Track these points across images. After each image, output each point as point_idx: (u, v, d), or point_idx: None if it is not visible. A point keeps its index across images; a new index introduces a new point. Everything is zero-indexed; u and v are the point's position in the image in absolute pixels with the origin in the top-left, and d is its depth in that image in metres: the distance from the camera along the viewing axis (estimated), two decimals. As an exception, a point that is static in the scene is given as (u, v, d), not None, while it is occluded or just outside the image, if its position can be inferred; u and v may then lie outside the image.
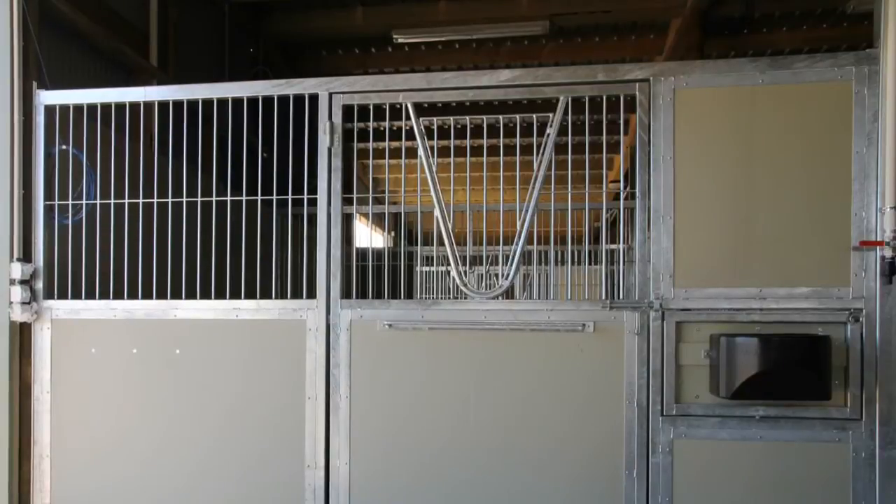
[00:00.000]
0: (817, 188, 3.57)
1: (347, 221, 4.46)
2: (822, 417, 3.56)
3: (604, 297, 5.62)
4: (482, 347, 3.81)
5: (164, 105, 4.10)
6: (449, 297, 9.32)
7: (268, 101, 4.03)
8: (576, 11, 7.48)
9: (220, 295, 4.09)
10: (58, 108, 4.13)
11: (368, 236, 10.84)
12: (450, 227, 3.92)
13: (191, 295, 4.10)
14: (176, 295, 4.12)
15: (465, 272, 3.96)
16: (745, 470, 3.62)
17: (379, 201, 11.18)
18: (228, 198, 4.08)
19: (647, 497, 3.68)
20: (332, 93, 3.95)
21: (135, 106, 4.19)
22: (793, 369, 3.42)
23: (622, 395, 3.70)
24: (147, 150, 4.20)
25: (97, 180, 4.16)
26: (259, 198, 4.06)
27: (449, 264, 3.97)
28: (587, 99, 3.79)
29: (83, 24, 4.74)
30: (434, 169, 3.94)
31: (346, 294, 3.97)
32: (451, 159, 3.98)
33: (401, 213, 4.07)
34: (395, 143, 4.35)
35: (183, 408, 4.03)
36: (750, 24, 7.83)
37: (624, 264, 5.38)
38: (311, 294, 3.97)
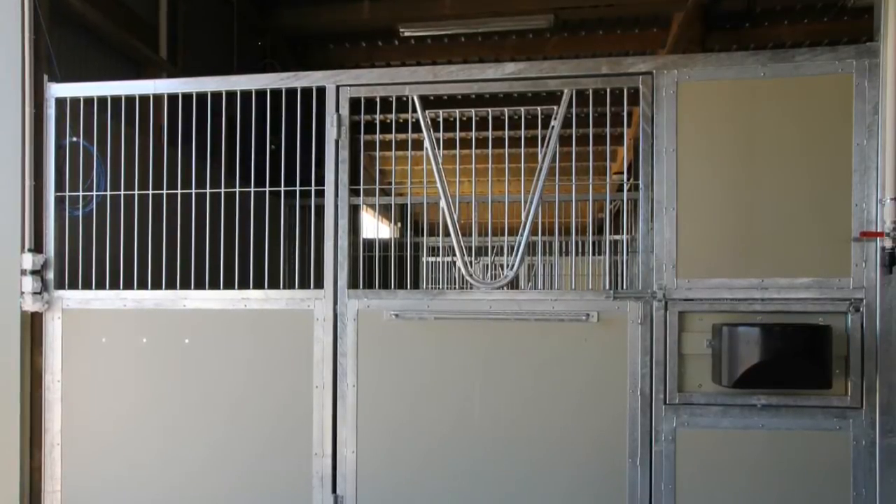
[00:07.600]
0: (818, 180, 3.60)
1: (354, 212, 4.50)
2: (823, 406, 3.60)
3: (607, 287, 5.66)
4: (487, 337, 3.85)
5: (173, 97, 4.15)
6: (454, 288, 9.36)
7: (276, 93, 4.06)
8: (580, 5, 7.50)
9: (229, 285, 4.13)
10: (68, 100, 4.17)
11: (375, 227, 10.86)
12: (455, 218, 3.96)
13: (200, 285, 4.14)
14: (185, 285, 4.15)
15: (471, 262, 4.00)
16: (746, 458, 3.66)
17: (385, 192, 11.21)
18: (237, 189, 4.13)
19: (651, 485, 3.72)
20: (339, 85, 3.98)
21: (144, 98, 4.25)
22: (794, 358, 3.45)
23: (625, 384, 3.74)
24: (156, 142, 4.25)
25: (107, 172, 4.21)
26: (267, 189, 4.11)
27: (454, 255, 4.01)
28: (591, 92, 3.81)
29: (93, 18, 4.78)
30: (440, 161, 3.97)
31: (353, 284, 4.01)
32: (457, 151, 4.02)
33: (407, 205, 4.10)
34: (401, 136, 4.39)
35: (192, 396, 4.07)
36: (752, 17, 7.85)
37: (627, 255, 5.41)
38: (319, 284, 4.01)
